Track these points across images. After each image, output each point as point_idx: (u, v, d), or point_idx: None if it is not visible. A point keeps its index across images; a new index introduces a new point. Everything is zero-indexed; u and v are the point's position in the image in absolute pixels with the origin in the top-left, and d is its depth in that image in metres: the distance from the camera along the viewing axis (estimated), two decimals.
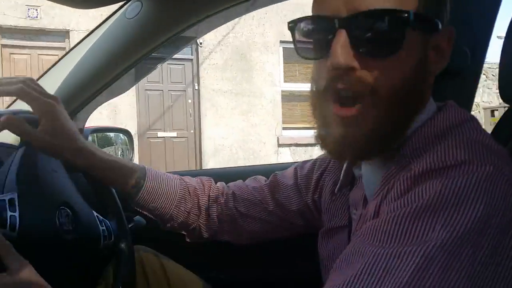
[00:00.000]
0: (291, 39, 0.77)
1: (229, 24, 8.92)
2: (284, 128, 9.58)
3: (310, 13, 0.75)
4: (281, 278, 1.56)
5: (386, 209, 0.64)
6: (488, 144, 0.67)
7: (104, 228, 1.11)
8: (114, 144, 1.54)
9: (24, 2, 7.89)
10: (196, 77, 9.18)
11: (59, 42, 8.18)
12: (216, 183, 1.23)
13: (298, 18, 0.75)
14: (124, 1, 1.18)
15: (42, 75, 1.26)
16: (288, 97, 9.59)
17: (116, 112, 8.49)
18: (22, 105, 1.06)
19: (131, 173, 1.09)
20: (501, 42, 1.00)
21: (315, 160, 1.13)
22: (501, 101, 1.02)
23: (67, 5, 1.12)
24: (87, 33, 1.29)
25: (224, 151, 9.22)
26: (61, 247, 0.97)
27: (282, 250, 1.44)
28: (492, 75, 10.27)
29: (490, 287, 0.57)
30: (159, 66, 7.54)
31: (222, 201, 1.17)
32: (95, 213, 1.11)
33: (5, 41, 8.04)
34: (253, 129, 9.34)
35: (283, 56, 9.53)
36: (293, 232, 1.18)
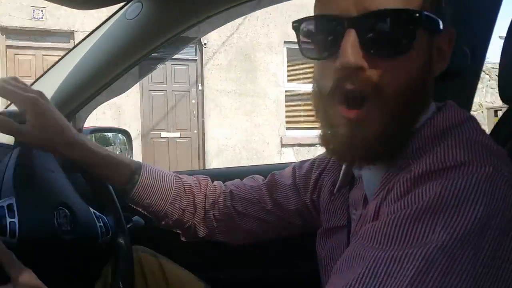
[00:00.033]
0: (295, 40, 0.76)
1: (234, 24, 8.93)
2: (287, 128, 9.58)
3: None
4: (279, 278, 1.56)
5: (386, 211, 0.64)
6: (487, 144, 0.67)
7: (102, 224, 1.11)
8: (113, 144, 1.54)
9: (29, 3, 7.92)
10: (200, 77, 9.19)
11: (64, 43, 8.20)
12: (213, 182, 1.22)
13: (304, 18, 0.74)
14: (125, 2, 1.18)
15: (42, 75, 1.26)
16: (291, 98, 9.59)
17: (120, 112, 8.51)
18: None
19: (126, 168, 1.09)
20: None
21: (314, 160, 1.13)
22: None
23: (67, 6, 1.12)
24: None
25: (228, 151, 9.22)
26: (60, 248, 0.97)
27: (280, 250, 1.44)
28: (496, 75, 10.21)
29: None
30: (159, 66, 7.58)
31: (219, 200, 1.17)
32: (92, 210, 1.11)
33: (10, 42, 8.07)
34: (256, 129, 9.34)
35: (287, 57, 9.53)
36: (291, 231, 1.18)
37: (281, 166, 1.22)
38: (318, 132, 0.77)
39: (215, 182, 1.22)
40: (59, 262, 1.00)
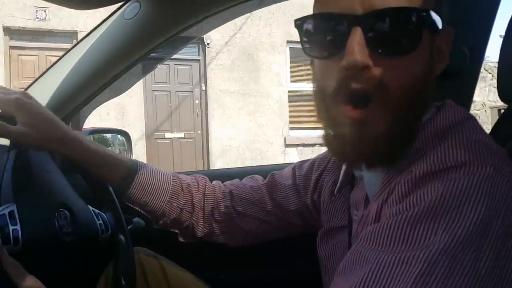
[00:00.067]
0: (298, 39, 0.75)
1: (236, 24, 8.95)
2: (291, 128, 9.58)
3: None
4: (280, 278, 1.56)
5: (387, 213, 0.64)
6: (487, 143, 0.67)
7: (101, 221, 1.11)
8: (112, 145, 1.53)
9: (32, 4, 7.94)
10: (203, 77, 9.20)
11: (67, 43, 8.21)
12: (211, 181, 1.22)
13: (307, 16, 0.73)
14: (123, 2, 1.17)
15: (40, 76, 1.26)
16: (295, 97, 9.59)
17: (124, 113, 8.53)
18: None
19: (122, 165, 1.08)
20: None
21: (314, 160, 1.12)
22: None
23: (65, 6, 1.12)
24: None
25: (232, 152, 9.23)
26: (62, 250, 0.97)
27: (281, 251, 1.44)
28: None
29: None
30: (160, 65, 7.59)
31: (219, 200, 1.16)
32: (91, 208, 1.11)
33: (13, 43, 8.10)
34: (260, 129, 9.35)
35: (290, 56, 9.54)
36: (291, 232, 1.17)
37: (285, 166, 1.21)
38: (321, 132, 0.76)
39: (214, 182, 1.21)
40: (61, 264, 1.00)
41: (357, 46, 0.65)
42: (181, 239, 1.21)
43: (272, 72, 9.45)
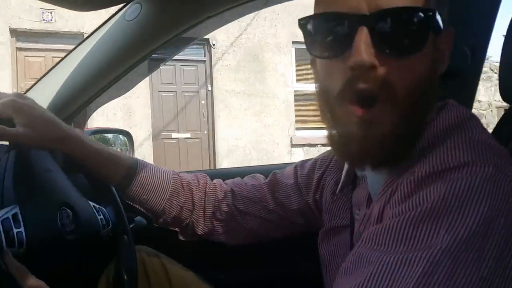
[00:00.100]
0: (303, 40, 0.74)
1: (242, 25, 8.95)
2: (297, 129, 9.58)
3: None
4: (281, 278, 1.56)
5: (390, 213, 0.64)
6: (489, 143, 0.66)
7: (102, 217, 1.11)
8: (113, 145, 1.53)
9: (38, 5, 7.95)
10: (209, 78, 9.21)
11: (73, 44, 8.20)
12: (212, 180, 1.21)
13: (312, 15, 0.73)
14: (124, 3, 1.17)
15: (42, 77, 1.27)
16: (300, 98, 9.58)
17: (131, 113, 8.55)
18: None
19: (122, 164, 1.09)
20: None
21: (316, 159, 1.12)
22: None
23: (66, 8, 1.12)
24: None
25: (238, 152, 9.24)
26: (65, 248, 0.97)
27: (282, 250, 1.44)
28: None
29: None
30: (164, 65, 7.57)
31: (219, 198, 1.16)
32: (92, 203, 1.11)
33: (20, 44, 8.12)
34: (266, 129, 9.35)
35: (296, 57, 9.53)
36: (293, 231, 1.17)
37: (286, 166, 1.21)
38: (327, 134, 0.76)
39: (215, 180, 1.21)
40: (64, 263, 1.00)
41: (363, 45, 0.64)
42: (181, 238, 1.21)
43: (278, 72, 9.45)
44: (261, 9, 1.35)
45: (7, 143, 0.99)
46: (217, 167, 8.93)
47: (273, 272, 1.57)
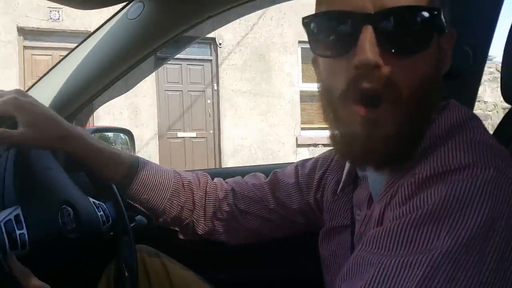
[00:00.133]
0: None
1: (248, 24, 8.96)
2: (302, 129, 9.57)
3: None
4: (282, 277, 1.56)
5: (390, 216, 0.64)
6: (491, 144, 0.66)
7: (102, 213, 1.11)
8: (113, 144, 1.53)
9: (46, 4, 7.99)
10: (215, 77, 9.22)
11: None
12: (213, 179, 1.21)
13: (316, 14, 0.73)
14: (126, 2, 1.17)
15: (44, 75, 1.27)
16: (306, 97, 9.56)
17: (137, 112, 8.57)
18: None
19: (123, 162, 1.08)
20: None
21: (317, 159, 1.12)
22: None
23: (69, 6, 1.12)
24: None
25: (243, 152, 9.24)
26: (66, 247, 0.97)
27: (283, 249, 1.43)
28: None
29: None
30: (170, 65, 7.55)
31: (220, 198, 1.16)
32: (92, 200, 1.11)
33: (27, 43, 8.16)
34: (272, 129, 9.35)
35: (302, 56, 9.52)
36: (293, 230, 1.17)
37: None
38: (329, 134, 0.75)
39: (216, 179, 1.20)
40: (65, 262, 1.00)
41: (368, 44, 0.64)
42: (181, 237, 1.21)
43: (284, 72, 9.45)
44: (263, 8, 1.35)
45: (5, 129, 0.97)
46: (222, 167, 8.94)
47: (273, 272, 1.57)
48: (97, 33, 1.23)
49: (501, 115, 8.91)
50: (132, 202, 1.12)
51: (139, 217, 1.35)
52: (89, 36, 1.25)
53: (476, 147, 0.64)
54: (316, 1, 0.75)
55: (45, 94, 1.21)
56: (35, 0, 7.82)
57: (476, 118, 0.73)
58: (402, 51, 0.66)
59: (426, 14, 0.67)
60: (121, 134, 1.54)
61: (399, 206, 0.64)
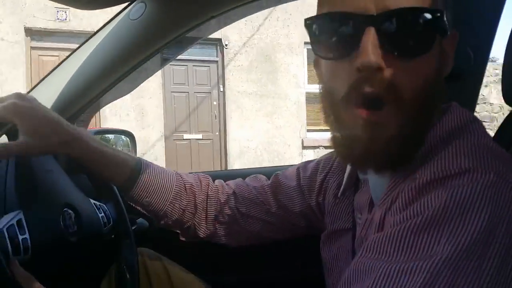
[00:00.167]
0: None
1: (254, 25, 8.96)
2: (308, 130, 9.56)
3: None
4: (283, 280, 1.56)
5: (391, 221, 0.64)
6: (491, 147, 0.66)
7: (103, 214, 1.11)
8: (114, 146, 1.53)
9: (53, 4, 8.01)
10: (221, 79, 9.23)
11: None
12: (214, 181, 1.20)
13: (318, 15, 0.72)
14: (128, 2, 1.17)
15: (46, 77, 1.26)
16: (312, 99, 9.56)
17: (144, 114, 8.60)
18: None
19: (126, 165, 1.07)
20: None
21: (319, 161, 1.11)
22: None
23: (71, 6, 1.12)
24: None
25: (249, 153, 9.25)
26: (68, 250, 0.97)
27: (285, 252, 1.43)
28: None
29: None
30: (176, 66, 7.53)
31: (222, 201, 1.15)
32: (92, 201, 1.11)
33: (34, 44, 8.20)
34: (277, 131, 9.35)
35: (307, 58, 9.52)
36: (294, 233, 1.16)
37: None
38: (330, 136, 0.75)
39: (217, 182, 1.20)
40: (67, 265, 1.00)
41: (371, 46, 0.63)
42: (182, 239, 1.20)
43: (290, 73, 9.45)
44: (267, 8, 1.34)
45: (7, 142, 0.96)
46: (228, 169, 8.94)
47: (275, 274, 1.57)
48: (99, 33, 1.23)
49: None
50: (133, 205, 1.12)
51: (140, 220, 1.35)
52: (91, 37, 1.24)
53: (476, 151, 0.64)
54: (318, 2, 0.74)
55: (48, 95, 1.21)
56: (42, 0, 7.85)
57: (477, 121, 0.72)
58: (405, 53, 0.66)
59: (429, 16, 0.66)
60: (122, 136, 1.54)
61: (400, 212, 0.63)
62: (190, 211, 1.13)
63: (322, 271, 1.00)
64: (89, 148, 1.00)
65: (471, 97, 1.13)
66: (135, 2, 1.18)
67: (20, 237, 0.82)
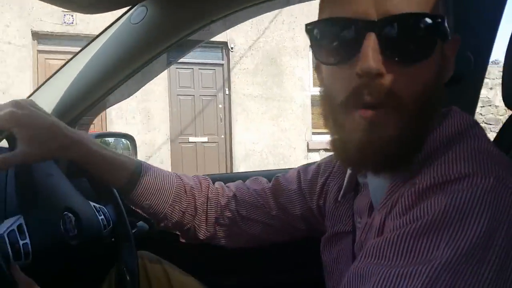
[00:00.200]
0: None
1: (260, 28, 8.96)
2: (313, 133, 9.54)
3: None
4: (284, 283, 1.56)
5: (391, 226, 0.64)
6: (491, 152, 0.66)
7: (103, 216, 1.11)
8: (114, 149, 1.53)
9: (60, 8, 8.05)
10: (227, 82, 9.23)
11: None
12: (214, 183, 1.20)
13: (319, 20, 0.72)
14: (129, 7, 1.18)
15: (47, 80, 1.27)
16: (317, 102, 9.48)
17: (150, 117, 8.60)
18: None
19: (126, 168, 1.07)
20: None
21: (319, 164, 1.11)
22: None
23: (72, 10, 1.13)
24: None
25: (255, 156, 9.23)
26: (69, 254, 0.97)
27: (285, 255, 1.43)
28: None
29: None
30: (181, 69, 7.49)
31: (222, 204, 1.15)
32: (92, 204, 1.11)
33: (41, 47, 8.22)
34: (283, 134, 9.34)
35: (313, 61, 9.49)
36: (295, 235, 1.16)
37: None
38: (330, 138, 0.75)
39: (217, 184, 1.20)
40: (68, 268, 1.00)
41: (371, 52, 0.63)
42: (182, 240, 1.20)
43: (295, 76, 9.44)
44: (266, 12, 1.34)
45: (7, 146, 0.94)
46: (234, 172, 8.94)
47: (275, 277, 1.57)
48: (100, 37, 1.24)
49: None
50: (133, 207, 1.12)
51: (140, 223, 1.35)
52: (92, 41, 1.25)
53: (476, 155, 0.64)
54: (319, 7, 0.74)
55: (49, 98, 1.22)
56: (49, 5, 7.87)
57: (477, 126, 0.72)
58: (406, 59, 0.65)
59: (430, 21, 0.66)
60: (123, 139, 1.54)
61: (400, 216, 0.63)
62: (190, 213, 1.13)
63: (322, 274, 1.00)
64: (89, 151, 1.00)
65: (471, 100, 1.13)
66: (136, 6, 1.18)
67: (21, 242, 0.82)
